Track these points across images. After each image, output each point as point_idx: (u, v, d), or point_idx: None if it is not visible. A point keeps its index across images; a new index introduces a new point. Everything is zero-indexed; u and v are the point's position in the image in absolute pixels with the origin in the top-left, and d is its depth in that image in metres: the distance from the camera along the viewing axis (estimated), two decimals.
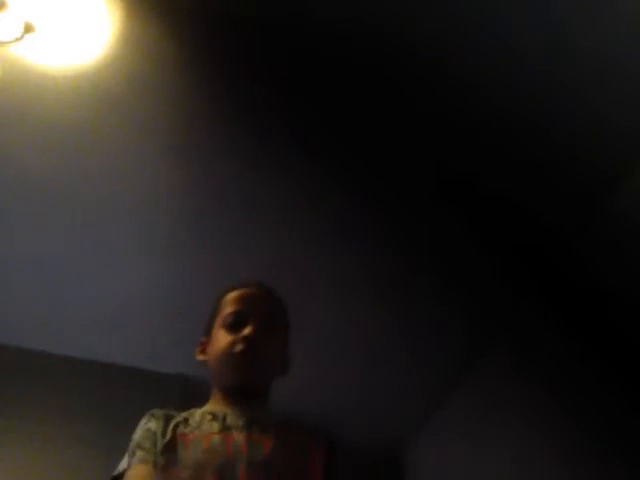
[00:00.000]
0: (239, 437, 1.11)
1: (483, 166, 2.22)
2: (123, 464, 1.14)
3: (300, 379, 2.90)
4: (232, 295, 1.31)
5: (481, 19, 1.85)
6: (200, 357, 1.31)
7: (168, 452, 1.09)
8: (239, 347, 1.20)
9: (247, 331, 1.21)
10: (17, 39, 1.81)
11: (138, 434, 1.15)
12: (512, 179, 2.25)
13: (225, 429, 1.13)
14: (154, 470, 1.07)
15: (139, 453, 1.10)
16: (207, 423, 1.15)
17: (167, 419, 1.15)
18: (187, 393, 2.79)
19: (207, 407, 1.24)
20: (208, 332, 1.31)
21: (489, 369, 2.81)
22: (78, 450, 2.55)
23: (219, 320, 1.28)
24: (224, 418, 1.16)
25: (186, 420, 1.16)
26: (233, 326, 1.24)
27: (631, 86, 1.95)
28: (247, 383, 1.21)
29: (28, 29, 1.82)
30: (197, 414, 1.19)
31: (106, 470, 1.22)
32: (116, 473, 1.14)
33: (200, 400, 1.27)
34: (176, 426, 1.14)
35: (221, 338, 1.24)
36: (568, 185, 2.24)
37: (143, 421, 1.17)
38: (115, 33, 1.90)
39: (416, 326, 2.75)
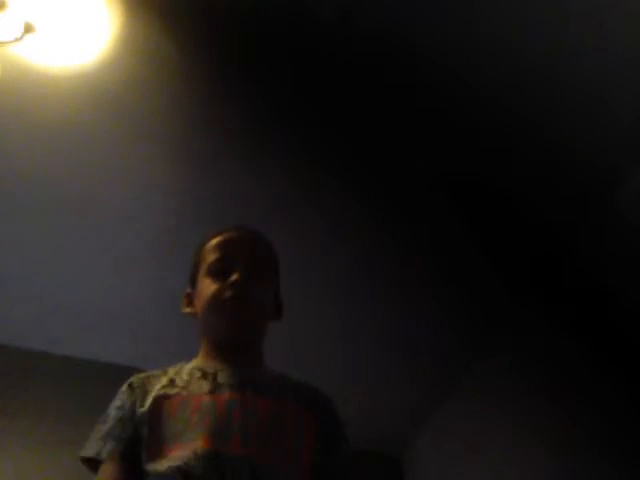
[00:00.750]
0: (232, 398, 1.02)
1: (483, 165, 2.22)
2: (93, 448, 1.08)
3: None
4: (215, 241, 1.23)
5: (482, 18, 1.86)
6: (187, 310, 1.22)
7: (150, 421, 1.01)
8: (227, 294, 1.12)
9: (235, 277, 1.13)
10: (17, 39, 1.82)
11: (111, 416, 1.09)
12: (512, 178, 2.25)
13: (216, 388, 1.04)
14: (121, 462, 1.01)
15: (109, 446, 1.04)
16: (196, 382, 1.06)
17: (145, 390, 1.06)
18: None
19: (196, 362, 1.14)
20: (193, 283, 1.22)
21: (489, 369, 2.81)
22: (78, 450, 2.54)
23: (203, 268, 1.20)
24: (215, 376, 1.07)
25: (172, 381, 1.07)
26: (219, 273, 1.16)
27: (631, 85, 1.95)
28: (238, 333, 1.13)
29: (28, 29, 1.82)
30: (185, 371, 1.10)
31: None
32: (88, 455, 1.08)
33: None
34: (161, 389, 1.05)
35: (207, 287, 1.15)
36: (568, 185, 2.24)
37: (118, 396, 1.10)
38: (115, 33, 1.90)
39: (415, 326, 2.75)
